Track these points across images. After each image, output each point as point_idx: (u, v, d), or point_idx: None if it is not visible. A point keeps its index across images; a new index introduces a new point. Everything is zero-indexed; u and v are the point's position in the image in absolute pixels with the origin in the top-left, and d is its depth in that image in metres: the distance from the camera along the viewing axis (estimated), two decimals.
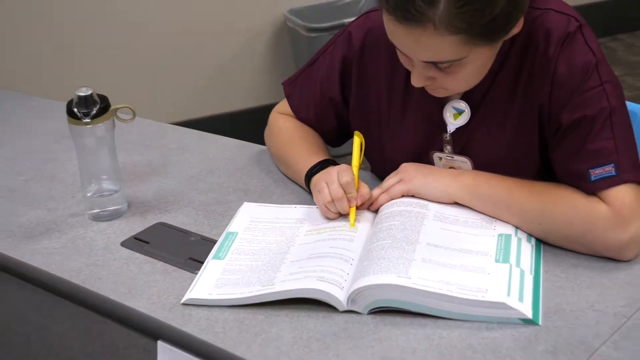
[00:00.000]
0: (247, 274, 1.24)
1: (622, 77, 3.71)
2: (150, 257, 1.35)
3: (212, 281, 1.24)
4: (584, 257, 1.23)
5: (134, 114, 1.45)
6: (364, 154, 1.48)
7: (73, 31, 3.24)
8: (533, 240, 1.26)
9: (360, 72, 1.45)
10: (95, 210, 1.47)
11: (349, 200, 1.32)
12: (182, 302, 1.21)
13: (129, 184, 1.58)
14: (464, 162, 1.37)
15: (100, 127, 1.41)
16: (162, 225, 1.44)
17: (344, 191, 1.31)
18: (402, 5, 1.13)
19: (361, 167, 1.48)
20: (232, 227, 1.39)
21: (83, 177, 1.48)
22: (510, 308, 1.08)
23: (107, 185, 1.49)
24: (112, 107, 1.42)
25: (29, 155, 1.77)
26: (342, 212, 1.33)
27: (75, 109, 1.38)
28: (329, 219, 1.35)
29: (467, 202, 1.29)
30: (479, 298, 1.09)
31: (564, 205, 1.22)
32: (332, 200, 1.32)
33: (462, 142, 1.36)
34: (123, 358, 1.30)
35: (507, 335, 1.07)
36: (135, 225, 1.46)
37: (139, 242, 1.40)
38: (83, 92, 1.38)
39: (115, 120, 1.45)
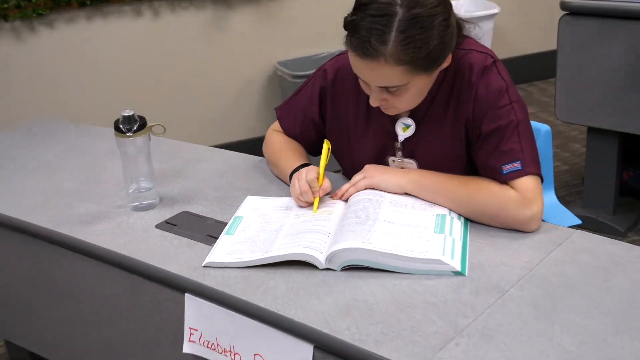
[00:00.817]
0: (250, 245, 1.33)
1: (537, 114, 3.84)
2: (178, 235, 1.42)
3: (224, 250, 1.33)
4: (499, 230, 1.34)
5: (164, 130, 1.52)
6: (338, 160, 1.60)
7: (110, 68, 3.30)
8: (462, 219, 1.37)
9: (334, 99, 1.56)
10: (135, 203, 1.55)
11: (312, 193, 1.43)
12: (202, 264, 1.30)
13: (160, 183, 1.63)
14: (410, 163, 1.49)
15: (139, 140, 1.49)
16: (186, 213, 1.52)
17: (309, 186, 1.43)
18: (362, 45, 1.26)
19: (334, 171, 1.58)
20: (239, 213, 1.47)
21: (126, 178, 1.54)
22: (444, 263, 1.21)
23: (144, 184, 1.55)
24: (149, 124, 1.50)
25: (83, 165, 1.83)
26: (308, 201, 1.43)
27: (121, 126, 1.47)
28: (301, 207, 1.45)
29: (414, 192, 1.41)
30: (422, 256, 1.22)
31: (483, 192, 1.36)
32: (301, 193, 1.43)
33: (410, 148, 1.48)
34: (160, 309, 1.37)
35: (442, 282, 1.20)
36: (166, 214, 1.52)
37: (169, 225, 1.47)
38: (127, 112, 1.47)
39: (150, 134, 1.52)
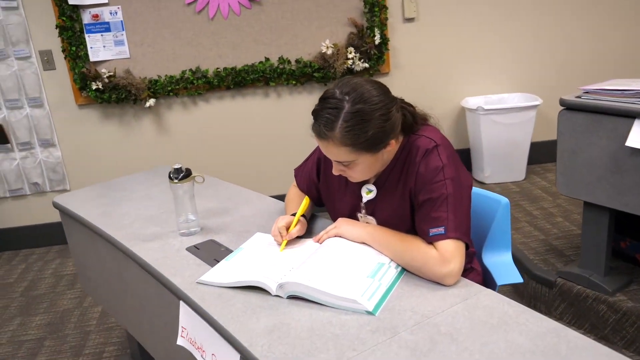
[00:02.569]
0: (236, 270, 1.30)
1: None
2: (197, 257, 1.42)
3: (217, 272, 1.31)
4: (425, 281, 1.21)
5: (204, 179, 1.54)
6: (328, 211, 1.54)
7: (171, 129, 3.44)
8: (399, 268, 1.26)
9: (325, 167, 1.51)
10: (182, 230, 1.56)
11: (281, 236, 1.39)
12: (196, 281, 1.29)
13: (206, 216, 1.65)
14: (372, 219, 1.40)
15: (185, 185, 1.51)
16: (212, 241, 1.50)
17: (279, 231, 1.39)
18: (318, 129, 1.25)
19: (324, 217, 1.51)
20: (244, 244, 1.44)
21: (177, 212, 1.57)
22: (359, 303, 1.11)
23: (190, 217, 1.56)
24: (192, 174, 1.54)
25: (168, 200, 1.83)
26: (278, 242, 1.40)
27: (171, 175, 1.52)
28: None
29: (368, 242, 1.32)
30: (343, 295, 1.12)
31: (413, 248, 1.24)
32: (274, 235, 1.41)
33: (371, 208, 1.40)
34: (169, 308, 1.36)
35: (354, 318, 1.10)
36: (199, 240, 1.52)
37: (195, 249, 1.46)
38: (177, 166, 1.51)
39: (195, 182, 1.55)
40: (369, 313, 1.10)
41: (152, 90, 3.24)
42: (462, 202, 1.25)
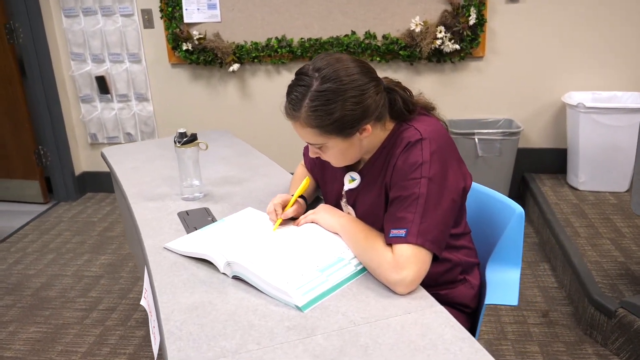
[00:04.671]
0: (201, 241, 1.27)
1: None
2: (182, 222, 1.41)
3: (186, 240, 1.29)
4: (381, 286, 1.09)
5: (207, 147, 1.53)
6: (323, 196, 1.46)
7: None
8: (360, 266, 1.15)
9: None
10: (185, 195, 1.58)
11: (276, 215, 1.33)
12: (163, 246, 1.29)
13: (218, 183, 1.64)
14: (352, 210, 1.30)
15: (188, 150, 1.52)
16: (204, 209, 1.49)
17: (274, 208, 1.33)
18: (286, 110, 1.17)
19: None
20: (227, 217, 1.41)
21: (181, 176, 1.57)
22: (290, 296, 1.04)
23: (193, 182, 1.57)
24: (197, 140, 1.53)
25: (159, 167, 1.89)
26: (272, 220, 1.34)
27: (175, 139, 1.53)
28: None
29: (340, 233, 1.23)
30: (276, 285, 1.06)
31: (372, 248, 1.13)
32: (269, 212, 1.35)
33: (353, 198, 1.30)
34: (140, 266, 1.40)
35: (282, 311, 1.03)
36: (197, 206, 1.51)
37: (185, 214, 1.46)
38: (181, 130, 1.52)
39: (199, 148, 1.54)
40: (298, 308, 1.02)
41: (237, 55, 3.31)
42: (437, 206, 1.11)
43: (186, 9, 3.28)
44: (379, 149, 1.22)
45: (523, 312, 2.27)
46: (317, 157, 1.42)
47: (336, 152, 1.19)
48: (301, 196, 1.40)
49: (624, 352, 1.94)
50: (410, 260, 1.06)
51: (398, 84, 1.23)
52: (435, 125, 1.19)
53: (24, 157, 3.67)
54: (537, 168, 3.37)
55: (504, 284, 1.31)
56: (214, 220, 1.43)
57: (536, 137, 3.32)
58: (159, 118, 3.59)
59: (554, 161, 3.33)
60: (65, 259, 2.91)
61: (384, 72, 3.27)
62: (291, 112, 1.15)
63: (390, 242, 1.10)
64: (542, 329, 2.16)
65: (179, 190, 1.64)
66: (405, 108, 1.20)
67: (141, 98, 3.55)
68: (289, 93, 1.16)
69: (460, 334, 0.94)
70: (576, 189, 3.11)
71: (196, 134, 1.54)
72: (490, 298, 1.28)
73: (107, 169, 2.06)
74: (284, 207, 1.36)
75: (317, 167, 1.45)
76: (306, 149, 1.54)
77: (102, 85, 3.53)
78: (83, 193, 3.84)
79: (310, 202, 1.46)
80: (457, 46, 3.09)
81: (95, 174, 3.83)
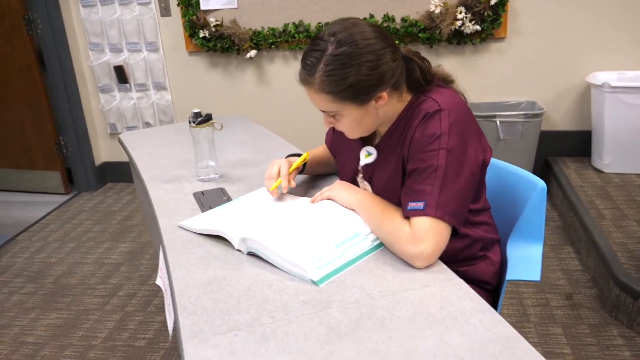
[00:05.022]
0: (217, 220, 1.26)
1: None
2: (197, 202, 1.41)
3: (201, 219, 1.28)
4: (397, 259, 1.07)
5: (222, 126, 1.52)
6: (338, 173, 1.44)
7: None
8: (377, 241, 1.13)
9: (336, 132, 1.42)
10: (201, 176, 1.57)
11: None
12: (178, 225, 1.28)
13: (235, 165, 1.63)
14: (368, 186, 1.28)
15: (203, 130, 1.51)
16: (221, 189, 1.48)
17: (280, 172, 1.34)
18: (301, 74, 1.15)
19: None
20: (243, 196, 1.39)
21: (196, 157, 1.56)
22: (304, 271, 1.02)
23: (209, 163, 1.56)
24: (212, 120, 1.52)
25: (175, 152, 1.87)
26: (267, 186, 1.34)
27: (190, 119, 1.52)
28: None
29: (357, 209, 1.20)
30: (291, 259, 1.04)
31: (389, 222, 1.10)
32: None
33: (369, 173, 1.28)
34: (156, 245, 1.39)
35: (298, 286, 1.01)
36: (212, 186, 1.51)
37: (201, 194, 1.46)
38: (195, 110, 1.51)
39: (213, 128, 1.53)
40: (313, 282, 1.01)
41: (254, 41, 3.29)
42: (456, 179, 1.08)
43: None
44: (396, 121, 1.19)
45: (547, 294, 2.22)
46: (337, 133, 1.41)
47: (351, 121, 1.16)
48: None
49: None
50: (428, 232, 1.03)
51: (416, 53, 1.19)
52: (454, 97, 1.16)
53: (45, 148, 3.71)
54: (561, 151, 3.29)
55: (526, 260, 1.28)
56: (229, 199, 1.41)
57: (559, 119, 3.25)
58: (177, 106, 3.60)
59: (578, 144, 3.25)
60: (86, 247, 2.94)
61: None
62: (305, 77, 1.13)
63: (407, 215, 1.07)
64: (566, 311, 2.11)
65: (195, 172, 1.63)
66: (423, 78, 1.17)
67: (159, 87, 3.56)
68: (304, 58, 1.14)
69: (480, 307, 0.91)
70: (601, 172, 3.03)
71: (211, 114, 1.53)
72: (512, 274, 1.25)
73: (127, 159, 2.06)
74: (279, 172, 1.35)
75: (336, 144, 1.42)
76: (330, 130, 1.52)
77: (121, 74, 3.55)
78: (104, 183, 3.87)
79: (309, 176, 1.46)
80: (478, 27, 3.02)
81: (115, 164, 3.86)
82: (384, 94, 1.13)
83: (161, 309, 2.32)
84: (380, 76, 1.10)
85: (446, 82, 1.22)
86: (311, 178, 1.53)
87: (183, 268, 1.10)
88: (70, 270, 2.70)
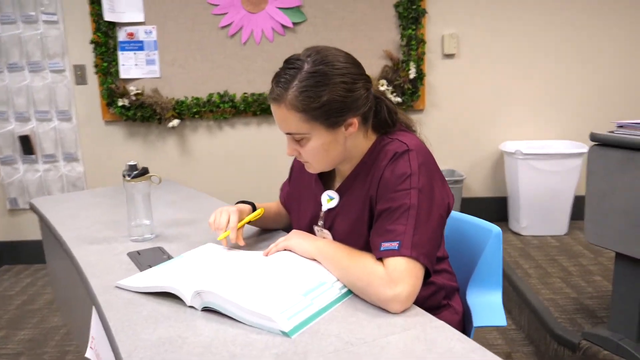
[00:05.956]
0: (160, 276, 1.13)
1: None
2: (134, 262, 1.26)
3: (141, 277, 1.15)
4: (371, 306, 0.99)
5: (160, 180, 1.42)
6: (292, 223, 1.37)
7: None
8: (343, 290, 1.05)
9: (298, 172, 1.36)
10: (134, 237, 1.43)
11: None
12: (114, 285, 1.13)
13: (171, 225, 1.51)
14: (327, 234, 1.21)
15: (138, 185, 1.39)
16: (159, 248, 1.35)
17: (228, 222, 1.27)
18: (272, 93, 1.10)
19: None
20: (187, 253, 1.27)
21: (129, 215, 1.43)
22: (274, 322, 0.91)
23: (143, 221, 1.43)
24: (148, 174, 1.41)
25: (123, 211, 1.78)
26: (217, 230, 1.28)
27: (125, 172, 1.40)
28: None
29: (318, 258, 1.12)
30: (257, 310, 0.93)
31: (359, 266, 1.03)
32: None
33: (330, 220, 1.21)
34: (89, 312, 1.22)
35: (265, 338, 0.90)
36: (148, 246, 1.37)
37: (136, 254, 1.32)
38: (131, 162, 1.39)
39: (150, 182, 1.41)
40: (284, 334, 0.90)
41: (177, 110, 3.22)
42: (428, 218, 1.04)
43: (123, 65, 3.18)
44: (360, 162, 1.16)
45: None
46: (293, 183, 1.34)
47: (318, 147, 1.11)
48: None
49: None
50: (404, 274, 0.97)
51: (384, 93, 1.19)
52: (418, 140, 1.15)
53: None
54: (480, 216, 3.40)
55: (488, 306, 1.24)
56: (170, 258, 1.28)
57: (477, 186, 3.40)
58: (89, 178, 3.37)
59: (495, 208, 3.39)
60: None
61: None
62: (277, 94, 1.08)
63: (381, 256, 1.01)
64: None
65: (125, 233, 1.48)
66: (390, 119, 1.16)
67: (70, 158, 3.33)
68: (277, 77, 1.10)
69: (470, 346, 0.85)
70: (519, 234, 3.17)
71: (147, 167, 1.42)
72: (478, 321, 1.20)
73: (28, 237, 1.85)
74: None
75: (292, 196, 1.37)
76: (284, 184, 1.45)
77: (26, 145, 3.30)
78: None
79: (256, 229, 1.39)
80: (399, 99, 3.16)
81: (14, 244, 3.48)
82: (355, 121, 1.10)
83: None
84: (354, 100, 1.08)
85: (408, 127, 1.22)
86: (258, 231, 1.45)
87: (128, 329, 0.95)
88: None
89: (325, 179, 1.25)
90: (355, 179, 1.17)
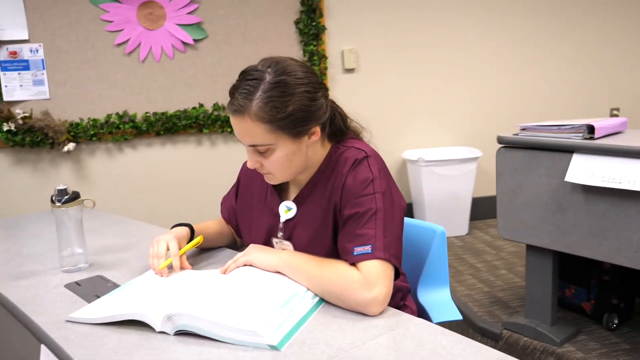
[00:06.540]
0: (115, 304, 1.05)
1: None
2: (76, 294, 1.16)
3: (94, 307, 1.06)
4: (346, 312, 1.00)
5: (94, 204, 1.32)
6: (243, 239, 1.35)
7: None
8: (316, 299, 1.05)
9: (246, 185, 1.35)
10: (66, 268, 1.31)
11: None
12: (65, 319, 1.04)
13: (103, 252, 1.41)
14: (288, 245, 1.21)
15: (70, 210, 1.28)
16: (99, 277, 1.26)
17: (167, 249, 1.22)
18: (233, 103, 1.08)
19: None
20: (135, 279, 1.20)
21: (60, 244, 1.31)
22: (260, 336, 0.89)
23: (76, 250, 1.32)
24: (80, 198, 1.31)
25: (41, 243, 1.64)
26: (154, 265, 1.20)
27: (54, 197, 1.29)
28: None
29: (283, 270, 1.12)
30: (240, 326, 0.90)
31: (332, 272, 1.05)
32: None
33: (289, 230, 1.21)
34: (31, 352, 1.10)
35: (254, 354, 0.87)
36: (85, 276, 1.27)
37: (75, 285, 1.21)
38: (60, 187, 1.28)
39: (83, 206, 1.31)
40: (272, 348, 0.88)
41: (72, 133, 3.01)
42: (392, 220, 1.08)
43: (6, 86, 2.92)
44: (318, 171, 1.17)
45: None
46: (241, 197, 1.32)
47: (282, 157, 1.10)
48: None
49: None
50: (379, 276, 1.00)
51: (334, 102, 1.22)
52: (370, 147, 1.20)
53: None
54: None
55: (440, 304, 1.31)
56: (115, 285, 1.20)
57: None
58: None
59: None
60: None
61: (235, 143, 3.25)
62: (240, 104, 1.05)
63: (354, 261, 1.03)
64: None
65: (52, 264, 1.36)
66: (344, 126, 1.19)
67: None
68: (236, 89, 1.08)
69: (455, 337, 0.89)
70: None
71: (78, 192, 1.32)
72: (435, 318, 1.26)
73: None
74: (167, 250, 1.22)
75: (240, 211, 1.34)
76: (225, 199, 1.42)
77: None
78: None
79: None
80: None
81: None
82: (318, 130, 1.12)
83: None
84: (317, 109, 1.10)
85: (356, 134, 1.26)
86: (198, 251, 1.40)
87: None
88: None
89: (279, 190, 1.25)
90: (314, 188, 1.18)
